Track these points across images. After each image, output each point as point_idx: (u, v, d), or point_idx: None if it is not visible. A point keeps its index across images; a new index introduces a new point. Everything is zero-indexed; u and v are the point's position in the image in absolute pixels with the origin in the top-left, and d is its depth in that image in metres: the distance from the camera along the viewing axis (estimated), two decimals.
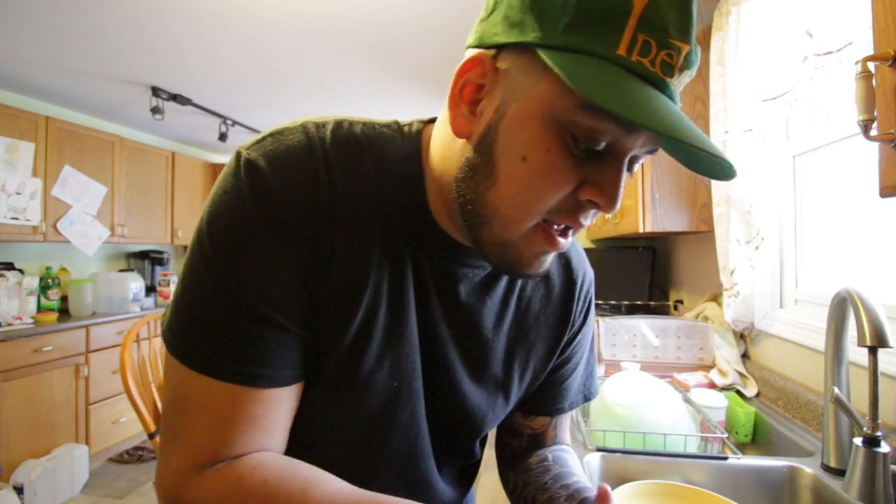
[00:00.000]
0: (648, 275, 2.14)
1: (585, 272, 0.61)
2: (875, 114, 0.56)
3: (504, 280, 0.54)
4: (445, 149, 0.45)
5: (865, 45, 0.79)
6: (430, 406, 0.52)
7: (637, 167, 0.41)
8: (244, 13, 2.07)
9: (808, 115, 1.23)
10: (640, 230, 1.51)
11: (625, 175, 0.39)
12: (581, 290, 0.60)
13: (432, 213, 0.47)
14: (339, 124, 0.46)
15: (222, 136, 3.62)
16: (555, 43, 0.35)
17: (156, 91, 2.94)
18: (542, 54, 0.35)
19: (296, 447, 0.47)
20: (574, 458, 0.62)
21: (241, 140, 4.19)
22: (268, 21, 2.14)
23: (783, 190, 1.31)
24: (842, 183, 1.13)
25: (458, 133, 0.41)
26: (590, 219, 0.41)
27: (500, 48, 0.39)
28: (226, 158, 5.05)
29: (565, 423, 0.66)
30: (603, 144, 0.37)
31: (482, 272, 0.52)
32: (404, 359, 0.48)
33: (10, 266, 2.93)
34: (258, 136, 0.44)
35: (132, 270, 3.81)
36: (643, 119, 0.31)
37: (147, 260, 3.93)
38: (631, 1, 0.33)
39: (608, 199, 0.38)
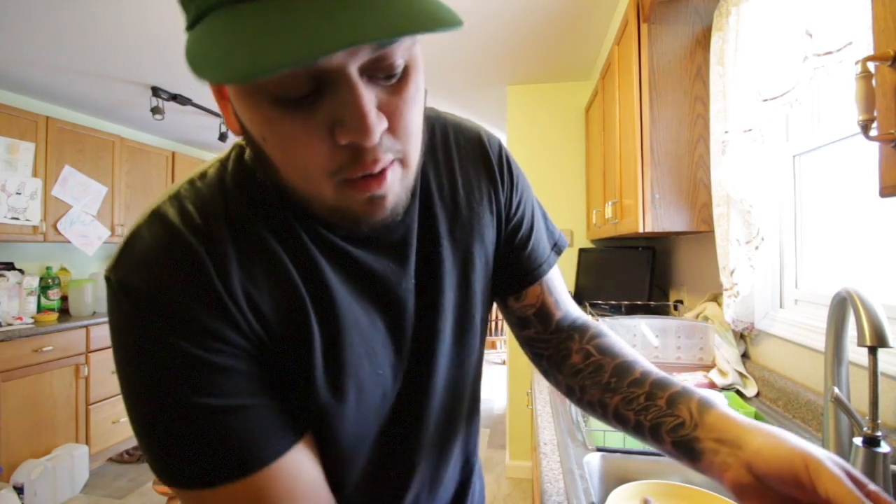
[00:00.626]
0: (648, 275, 2.14)
1: (492, 139, 0.59)
2: (875, 114, 0.56)
3: (417, 200, 0.51)
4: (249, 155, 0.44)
5: (865, 45, 0.79)
6: (417, 366, 0.52)
7: (397, 63, 0.36)
8: None
9: (808, 115, 1.23)
10: (640, 230, 1.51)
11: (365, 92, 0.34)
12: (498, 153, 0.58)
13: (305, 211, 0.44)
14: (169, 203, 0.42)
15: (222, 136, 3.62)
16: (190, 19, 0.34)
17: (156, 91, 2.95)
18: (188, 39, 0.33)
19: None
20: (615, 338, 0.59)
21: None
22: None
23: (783, 190, 1.31)
24: (842, 183, 1.13)
25: (233, 132, 0.41)
26: (382, 154, 0.37)
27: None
28: None
29: (560, 288, 0.64)
30: (305, 87, 0.33)
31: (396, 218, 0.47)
32: (374, 343, 0.48)
33: (10, 266, 2.93)
34: (115, 253, 0.41)
35: None
36: (269, 65, 0.27)
37: None
38: None
39: (356, 131, 0.34)
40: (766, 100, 1.14)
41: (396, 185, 0.40)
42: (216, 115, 3.46)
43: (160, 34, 2.25)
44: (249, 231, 0.42)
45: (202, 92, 3.06)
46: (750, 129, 1.21)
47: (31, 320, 2.76)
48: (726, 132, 1.28)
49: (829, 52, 0.90)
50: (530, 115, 2.95)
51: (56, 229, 3.03)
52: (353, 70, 0.33)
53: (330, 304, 0.44)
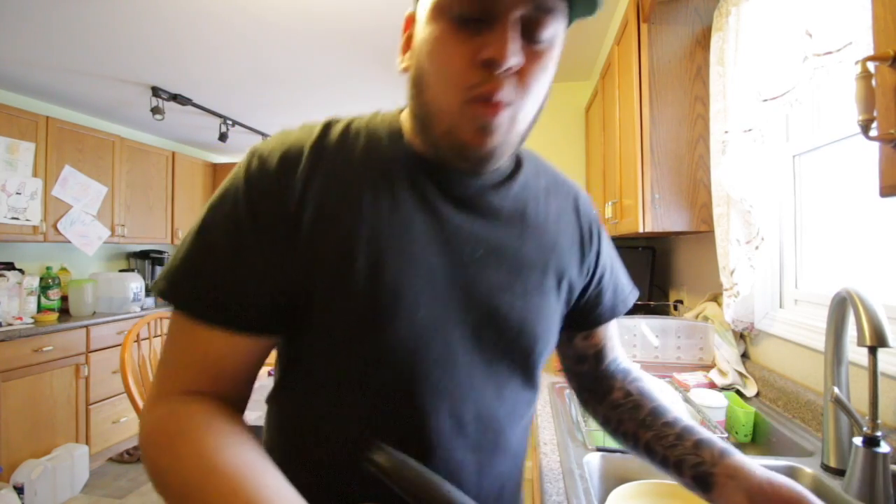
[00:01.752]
0: (648, 275, 2.14)
1: (585, 196, 0.67)
2: (875, 114, 0.56)
3: (515, 191, 0.57)
4: (409, 97, 0.52)
5: (865, 45, 0.79)
6: (472, 336, 0.52)
7: (544, 42, 0.46)
8: (245, 14, 2.07)
9: (808, 115, 1.23)
10: (640, 230, 1.51)
11: (514, 34, 0.43)
12: (586, 207, 0.65)
13: (423, 155, 0.52)
14: (327, 122, 0.54)
15: (222, 136, 3.62)
16: None
17: (156, 91, 2.95)
18: None
19: (333, 402, 0.51)
20: (654, 386, 0.68)
21: (241, 140, 4.19)
22: (268, 22, 2.14)
23: (783, 190, 1.31)
24: (842, 183, 1.13)
25: (403, 71, 0.52)
26: (504, 87, 0.44)
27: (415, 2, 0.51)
28: (226, 158, 5.05)
29: (616, 336, 0.73)
30: (478, 11, 0.43)
31: (494, 192, 0.55)
32: (424, 287, 0.49)
33: (10, 266, 2.93)
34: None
35: (132, 270, 3.81)
36: None
37: (147, 260, 3.93)
38: None
39: (497, 51, 0.42)
40: (766, 100, 1.14)
41: (503, 129, 0.46)
42: (216, 115, 3.46)
43: (160, 34, 2.25)
44: (364, 162, 0.51)
45: (202, 92, 3.06)
46: (750, 129, 1.21)
47: (31, 320, 2.76)
48: (726, 132, 1.28)
49: (829, 52, 0.90)
50: None
51: (56, 229, 3.03)
52: (515, 16, 0.43)
53: (392, 245, 0.49)
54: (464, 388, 0.51)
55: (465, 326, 0.51)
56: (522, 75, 0.45)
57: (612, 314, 0.69)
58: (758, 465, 0.50)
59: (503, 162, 0.52)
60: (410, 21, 0.51)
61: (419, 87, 0.48)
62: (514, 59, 0.43)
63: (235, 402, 0.50)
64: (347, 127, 0.53)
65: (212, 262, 0.47)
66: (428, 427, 0.49)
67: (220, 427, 0.43)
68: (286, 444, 0.55)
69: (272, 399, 0.58)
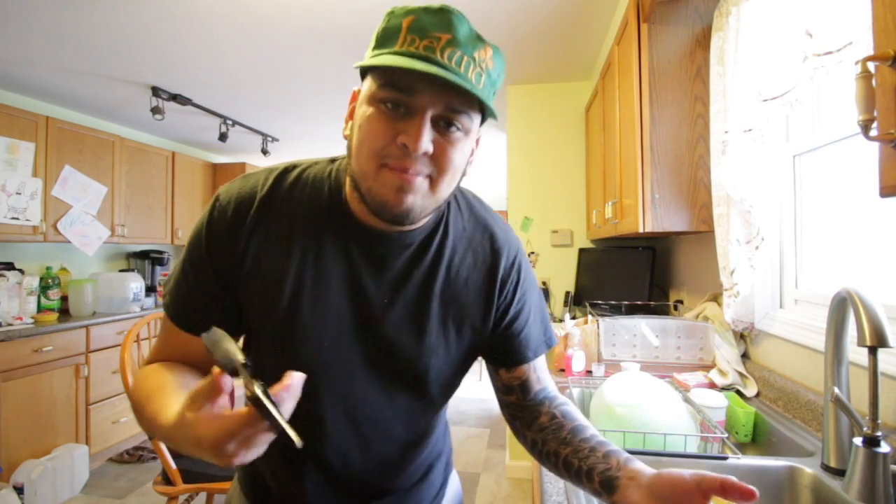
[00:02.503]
0: (648, 275, 2.14)
1: (510, 247, 0.74)
2: (875, 114, 0.56)
3: (431, 253, 0.68)
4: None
5: (865, 45, 0.79)
6: (371, 361, 0.67)
7: (456, 131, 0.57)
8: (245, 13, 2.07)
9: (808, 115, 1.23)
10: (640, 230, 1.51)
11: (426, 126, 0.54)
12: (506, 262, 0.73)
13: (354, 213, 0.64)
14: (285, 168, 0.68)
15: (222, 136, 3.62)
16: (368, 56, 0.59)
17: (156, 91, 2.95)
18: (359, 64, 0.57)
19: None
20: (576, 409, 0.74)
21: (241, 140, 4.20)
22: (268, 21, 2.14)
23: (783, 190, 1.31)
24: (842, 183, 1.13)
25: (344, 138, 0.63)
26: (416, 166, 0.55)
27: (362, 78, 0.61)
28: (226, 158, 5.05)
29: (543, 369, 0.78)
30: (401, 106, 0.55)
31: (408, 251, 0.67)
32: (332, 323, 0.64)
33: (10, 266, 2.93)
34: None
35: (132, 270, 3.81)
36: (392, 65, 0.52)
37: (147, 260, 3.94)
38: (401, 21, 0.55)
39: (412, 139, 0.53)
40: (766, 100, 1.14)
41: (420, 194, 0.57)
42: (216, 115, 3.46)
43: (160, 34, 2.25)
44: (305, 215, 0.65)
45: (202, 92, 3.06)
46: (750, 129, 1.21)
47: (31, 320, 2.76)
48: (726, 132, 1.28)
49: (829, 52, 0.90)
50: (530, 115, 2.95)
51: (56, 229, 3.03)
52: (429, 114, 0.55)
53: (311, 285, 0.64)
54: (357, 396, 0.67)
55: (364, 356, 0.66)
56: (434, 157, 0.56)
57: (521, 360, 0.75)
58: (650, 469, 0.56)
59: (425, 221, 0.65)
60: (355, 97, 0.62)
61: (351, 153, 0.60)
62: (424, 147, 0.54)
63: (205, 372, 0.65)
64: (298, 178, 0.67)
65: (182, 285, 0.66)
66: (326, 420, 0.67)
67: (167, 370, 0.63)
68: None
69: None
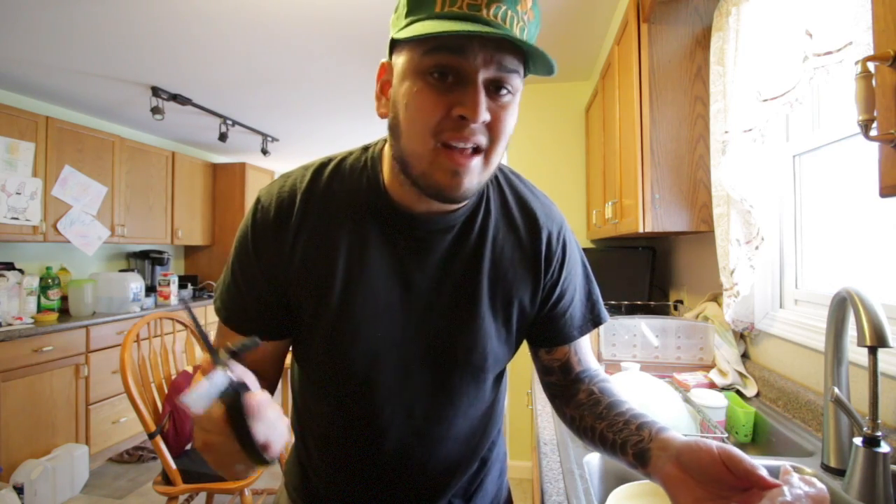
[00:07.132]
0: (648, 275, 2.14)
1: (553, 223, 0.71)
2: (875, 114, 0.56)
3: (475, 233, 0.65)
4: (388, 141, 0.61)
5: (865, 45, 0.79)
6: (424, 349, 0.65)
7: (507, 94, 0.54)
8: (245, 14, 2.07)
9: (808, 115, 1.23)
10: (640, 230, 1.51)
11: (482, 93, 0.51)
12: (550, 239, 0.70)
13: (394, 200, 0.62)
14: (321, 163, 0.66)
15: (222, 136, 3.62)
16: (401, 26, 0.54)
17: (156, 91, 2.95)
18: (396, 36, 0.54)
19: (311, 396, 0.71)
20: (615, 385, 0.73)
21: (240, 140, 4.19)
22: (268, 22, 2.14)
23: (783, 190, 1.31)
24: (842, 183, 1.13)
25: (380, 116, 0.59)
26: (476, 136, 0.52)
27: (390, 52, 0.58)
28: (226, 158, 5.05)
29: (585, 349, 0.77)
30: (449, 74, 0.51)
31: (452, 233, 0.64)
32: (383, 318, 0.63)
33: (10, 266, 2.93)
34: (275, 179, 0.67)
35: (132, 270, 3.81)
36: (441, 31, 0.47)
37: (147, 260, 3.94)
38: None
39: (470, 109, 0.50)
40: (766, 100, 1.14)
41: (475, 173, 0.54)
42: (216, 115, 3.46)
43: (160, 34, 2.25)
44: (344, 207, 0.63)
45: (202, 92, 3.06)
46: (750, 129, 1.21)
47: (31, 320, 2.76)
48: (726, 132, 1.28)
49: (829, 52, 0.90)
50: (530, 115, 2.95)
51: (56, 229, 3.03)
52: (481, 78, 0.51)
53: (359, 280, 0.62)
54: (414, 390, 0.66)
55: (418, 344, 0.65)
56: (490, 125, 0.53)
57: (565, 340, 0.73)
58: (683, 438, 0.55)
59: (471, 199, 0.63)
60: (385, 69, 0.59)
61: (397, 134, 0.56)
62: (483, 115, 0.51)
63: (261, 376, 0.61)
64: (336, 170, 0.65)
65: (232, 289, 0.65)
66: (381, 417, 0.66)
67: None
68: (298, 413, 0.77)
69: (291, 380, 0.80)
